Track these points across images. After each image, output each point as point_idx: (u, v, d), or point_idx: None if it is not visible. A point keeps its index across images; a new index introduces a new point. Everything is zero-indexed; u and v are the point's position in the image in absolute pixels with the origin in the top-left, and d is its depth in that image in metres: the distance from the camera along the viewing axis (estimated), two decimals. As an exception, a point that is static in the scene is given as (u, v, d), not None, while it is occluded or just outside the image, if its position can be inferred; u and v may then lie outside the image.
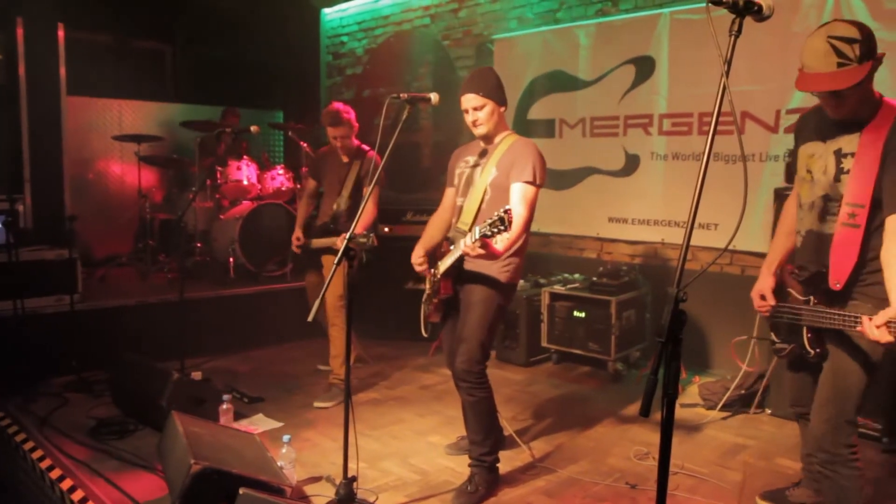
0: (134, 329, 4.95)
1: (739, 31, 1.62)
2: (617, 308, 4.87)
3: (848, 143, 2.35)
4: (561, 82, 5.82)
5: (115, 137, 6.80)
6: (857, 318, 2.18)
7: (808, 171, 2.49)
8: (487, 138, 3.23)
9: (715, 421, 4.15)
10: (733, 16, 1.64)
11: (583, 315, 5.03)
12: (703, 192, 1.64)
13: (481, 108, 3.13)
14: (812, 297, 2.46)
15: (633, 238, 5.48)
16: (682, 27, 5.01)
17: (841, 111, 2.31)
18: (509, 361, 5.32)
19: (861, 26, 2.21)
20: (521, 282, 5.44)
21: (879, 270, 2.27)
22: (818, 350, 2.47)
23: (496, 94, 3.16)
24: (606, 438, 3.90)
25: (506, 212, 2.56)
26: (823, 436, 2.46)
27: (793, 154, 2.65)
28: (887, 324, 2.06)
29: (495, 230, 2.58)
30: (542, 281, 5.53)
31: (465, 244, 2.73)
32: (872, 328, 2.10)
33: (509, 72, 6.10)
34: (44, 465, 3.40)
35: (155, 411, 3.68)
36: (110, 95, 7.25)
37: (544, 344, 5.28)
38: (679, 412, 4.23)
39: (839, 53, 2.17)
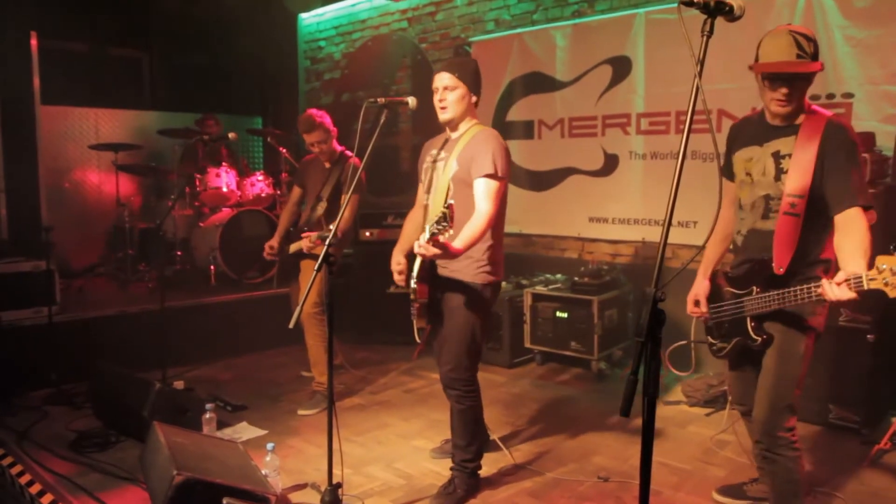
0: (114, 340, 4.89)
1: (711, 31, 1.64)
2: (599, 307, 4.89)
3: (785, 145, 2.52)
4: (539, 83, 5.84)
5: (92, 146, 6.74)
6: (816, 285, 2.28)
7: (748, 174, 2.65)
8: (452, 124, 3.13)
9: (698, 417, 4.18)
10: (706, 16, 1.66)
11: (565, 315, 5.06)
12: (680, 191, 1.65)
13: (453, 89, 3.03)
14: (755, 287, 2.57)
15: (614, 237, 5.51)
16: (657, 27, 5.05)
17: (789, 105, 2.45)
18: (493, 363, 5.32)
19: (811, 33, 2.44)
20: (504, 283, 5.45)
21: (817, 263, 2.49)
22: (763, 337, 2.57)
23: (471, 80, 3.07)
24: (591, 438, 3.91)
25: (447, 207, 2.52)
26: (767, 421, 2.58)
27: (726, 161, 2.77)
28: (847, 281, 2.17)
29: (440, 227, 2.53)
30: (524, 282, 5.54)
31: (416, 247, 2.64)
32: (833, 288, 2.20)
33: (487, 74, 6.07)
34: (23, 480, 3.35)
35: (137, 422, 3.65)
36: (86, 104, 7.17)
37: (527, 345, 5.30)
38: (662, 409, 4.26)
39: (799, 46, 2.37)
